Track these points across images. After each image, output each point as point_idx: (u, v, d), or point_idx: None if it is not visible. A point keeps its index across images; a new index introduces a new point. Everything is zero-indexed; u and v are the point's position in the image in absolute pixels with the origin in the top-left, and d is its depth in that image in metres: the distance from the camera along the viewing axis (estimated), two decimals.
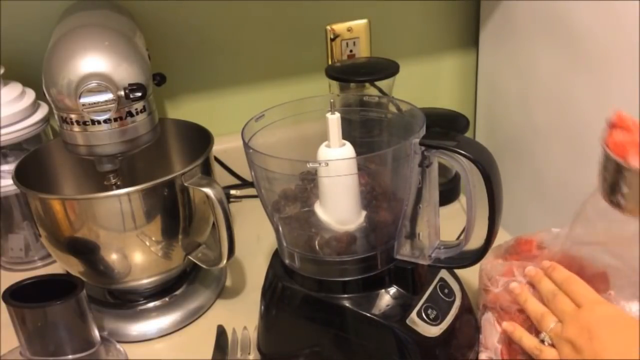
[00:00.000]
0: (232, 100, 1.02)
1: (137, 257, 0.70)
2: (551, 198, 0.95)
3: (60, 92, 0.63)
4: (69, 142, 0.67)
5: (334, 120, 0.58)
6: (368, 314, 0.59)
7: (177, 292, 0.77)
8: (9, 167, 0.82)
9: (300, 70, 1.03)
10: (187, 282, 0.78)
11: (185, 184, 0.68)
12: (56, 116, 0.67)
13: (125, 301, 0.76)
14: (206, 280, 0.80)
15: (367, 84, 0.91)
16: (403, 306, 0.60)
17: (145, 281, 0.73)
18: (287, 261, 0.63)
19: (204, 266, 0.74)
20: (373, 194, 0.60)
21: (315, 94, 0.67)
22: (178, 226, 0.71)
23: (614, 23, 0.76)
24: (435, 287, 0.62)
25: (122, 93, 0.63)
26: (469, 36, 1.10)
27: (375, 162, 0.58)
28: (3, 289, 0.62)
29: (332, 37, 1.02)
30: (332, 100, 0.58)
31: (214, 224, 0.70)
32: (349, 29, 1.02)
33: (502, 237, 0.64)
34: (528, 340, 0.57)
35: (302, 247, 0.61)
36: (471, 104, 1.15)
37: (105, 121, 0.65)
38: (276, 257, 0.66)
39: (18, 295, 0.61)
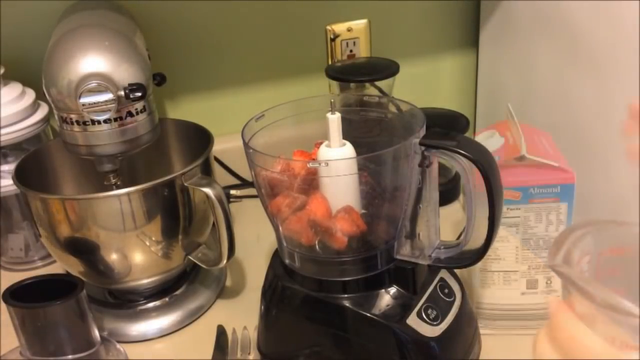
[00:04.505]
0: (232, 100, 1.02)
1: (137, 257, 0.70)
2: None
3: (60, 92, 0.63)
4: (69, 142, 0.67)
5: (334, 120, 0.58)
6: (368, 314, 0.59)
7: (177, 292, 0.77)
8: (9, 167, 0.82)
9: (300, 70, 1.03)
10: (187, 282, 0.78)
11: (185, 184, 0.68)
12: (56, 116, 0.67)
13: (125, 301, 0.76)
14: (206, 280, 0.80)
15: (367, 84, 0.91)
16: (403, 306, 0.60)
17: (145, 281, 0.73)
18: (287, 261, 0.63)
19: (204, 266, 0.74)
20: (373, 194, 0.60)
21: (315, 94, 0.67)
22: (178, 226, 0.71)
23: (614, 23, 0.76)
24: (435, 287, 0.62)
25: (122, 93, 0.63)
26: (469, 36, 1.10)
27: (375, 162, 0.58)
28: (3, 289, 0.62)
29: (332, 37, 1.02)
30: (332, 100, 0.58)
31: (214, 224, 0.70)
32: (349, 29, 1.02)
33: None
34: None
35: (302, 247, 0.61)
36: (471, 104, 1.15)
37: (105, 121, 0.65)
38: (276, 257, 0.66)
39: (18, 295, 0.61)
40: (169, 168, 0.85)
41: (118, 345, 0.70)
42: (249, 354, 0.69)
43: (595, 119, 0.82)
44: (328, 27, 1.02)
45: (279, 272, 0.65)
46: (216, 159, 0.96)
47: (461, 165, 0.54)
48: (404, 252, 0.61)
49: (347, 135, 0.60)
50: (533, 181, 0.61)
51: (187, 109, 1.00)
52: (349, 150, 0.59)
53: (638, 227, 0.49)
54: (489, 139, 0.67)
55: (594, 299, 0.42)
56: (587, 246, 0.48)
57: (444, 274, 0.64)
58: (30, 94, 0.85)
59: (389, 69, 0.90)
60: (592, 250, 0.49)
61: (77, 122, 0.65)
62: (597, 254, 0.49)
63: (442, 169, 0.95)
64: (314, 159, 0.61)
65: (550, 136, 0.69)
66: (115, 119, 0.65)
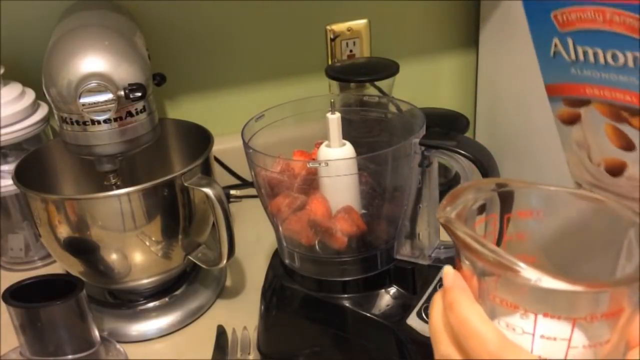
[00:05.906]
0: (232, 100, 1.02)
1: (137, 257, 0.70)
2: None
3: (60, 92, 0.63)
4: (69, 142, 0.67)
5: (334, 120, 0.58)
6: (368, 314, 0.59)
7: (177, 292, 0.77)
8: (9, 167, 0.82)
9: (300, 70, 1.03)
10: (187, 282, 0.78)
11: (185, 184, 0.68)
12: (56, 116, 0.67)
13: (125, 301, 0.76)
14: (206, 280, 0.80)
15: (367, 84, 0.91)
16: (403, 306, 0.60)
17: (145, 281, 0.73)
18: (287, 261, 0.63)
19: (204, 266, 0.74)
20: (373, 194, 0.60)
21: (315, 94, 0.67)
22: (178, 226, 0.71)
23: None
24: (435, 287, 0.62)
25: (122, 93, 0.63)
26: (469, 36, 1.10)
27: (375, 162, 0.58)
28: (3, 289, 0.62)
29: (332, 37, 1.02)
30: (332, 100, 0.58)
31: (214, 224, 0.70)
32: (349, 29, 1.02)
33: None
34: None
35: (302, 247, 0.61)
36: (471, 104, 1.15)
37: (105, 121, 0.65)
38: (276, 257, 0.66)
39: (18, 295, 0.61)
40: (169, 168, 0.85)
41: (118, 345, 0.70)
42: (249, 354, 0.69)
43: None
44: (328, 27, 1.02)
45: (279, 272, 0.65)
46: (216, 159, 0.96)
47: (461, 165, 0.54)
48: (404, 252, 0.61)
49: (347, 135, 0.60)
50: None
51: (187, 109, 1.00)
52: (349, 150, 0.59)
53: (551, 189, 0.45)
54: None
55: (485, 257, 0.38)
56: (492, 206, 0.44)
57: None
58: (30, 94, 0.85)
59: (389, 69, 0.90)
60: (497, 211, 0.45)
61: (77, 122, 0.65)
62: (504, 215, 0.46)
63: (442, 169, 0.95)
64: (314, 159, 0.61)
65: None
66: (115, 119, 0.65)
